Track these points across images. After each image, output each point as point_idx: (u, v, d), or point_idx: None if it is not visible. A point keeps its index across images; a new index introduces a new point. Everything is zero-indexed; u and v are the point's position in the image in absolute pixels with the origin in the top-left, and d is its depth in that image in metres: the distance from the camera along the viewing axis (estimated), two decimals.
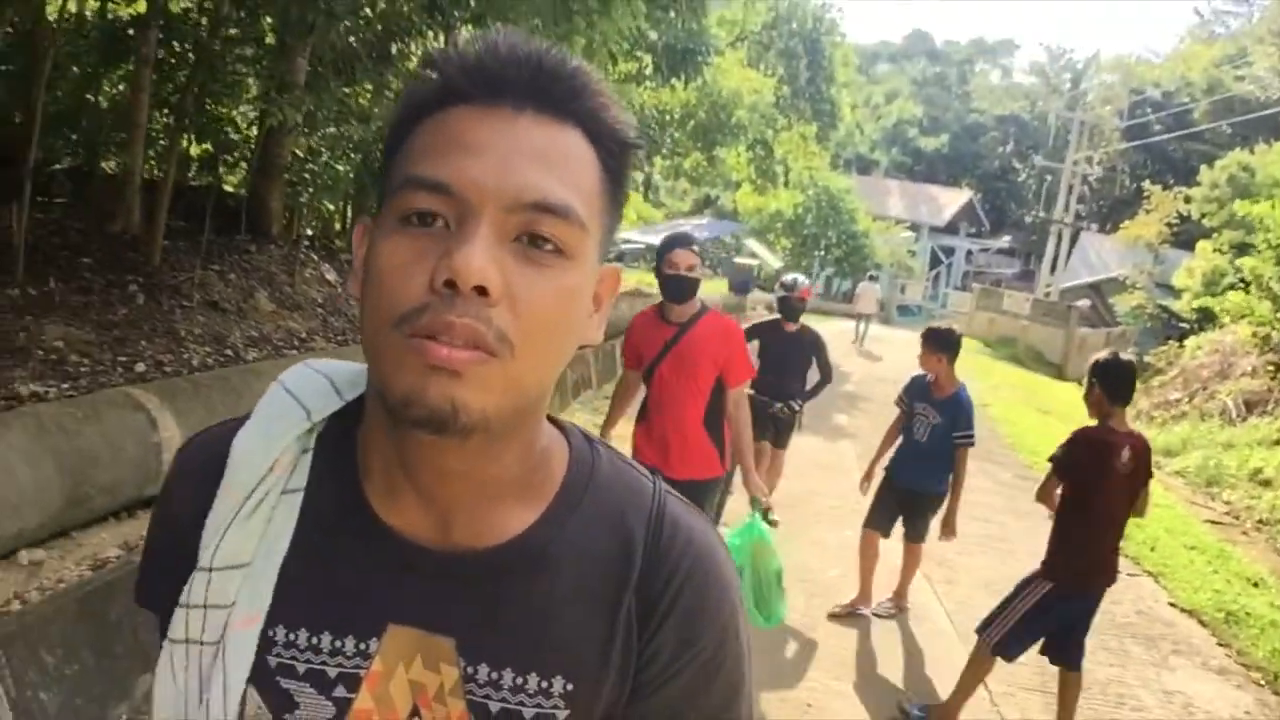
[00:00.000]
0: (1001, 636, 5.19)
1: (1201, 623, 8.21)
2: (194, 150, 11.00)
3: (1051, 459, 5.27)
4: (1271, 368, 15.01)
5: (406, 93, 1.00)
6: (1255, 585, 9.56)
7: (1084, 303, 39.25)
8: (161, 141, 10.04)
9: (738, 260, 36.88)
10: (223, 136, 10.56)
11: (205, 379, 6.10)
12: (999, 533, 9.81)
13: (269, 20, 8.96)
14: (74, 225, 8.30)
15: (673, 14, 14.04)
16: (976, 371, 24.63)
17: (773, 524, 7.86)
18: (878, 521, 6.86)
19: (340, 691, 1.01)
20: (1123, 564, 9.28)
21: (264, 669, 1.01)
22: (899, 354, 20.80)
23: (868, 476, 7.16)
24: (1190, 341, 24.33)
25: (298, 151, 10.78)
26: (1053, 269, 43.75)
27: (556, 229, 0.91)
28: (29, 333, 6.26)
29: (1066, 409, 20.18)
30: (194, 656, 1.03)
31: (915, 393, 6.83)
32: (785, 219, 42.67)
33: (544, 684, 1.01)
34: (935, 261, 58.69)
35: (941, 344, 6.58)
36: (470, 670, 1.01)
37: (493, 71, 0.93)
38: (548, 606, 1.02)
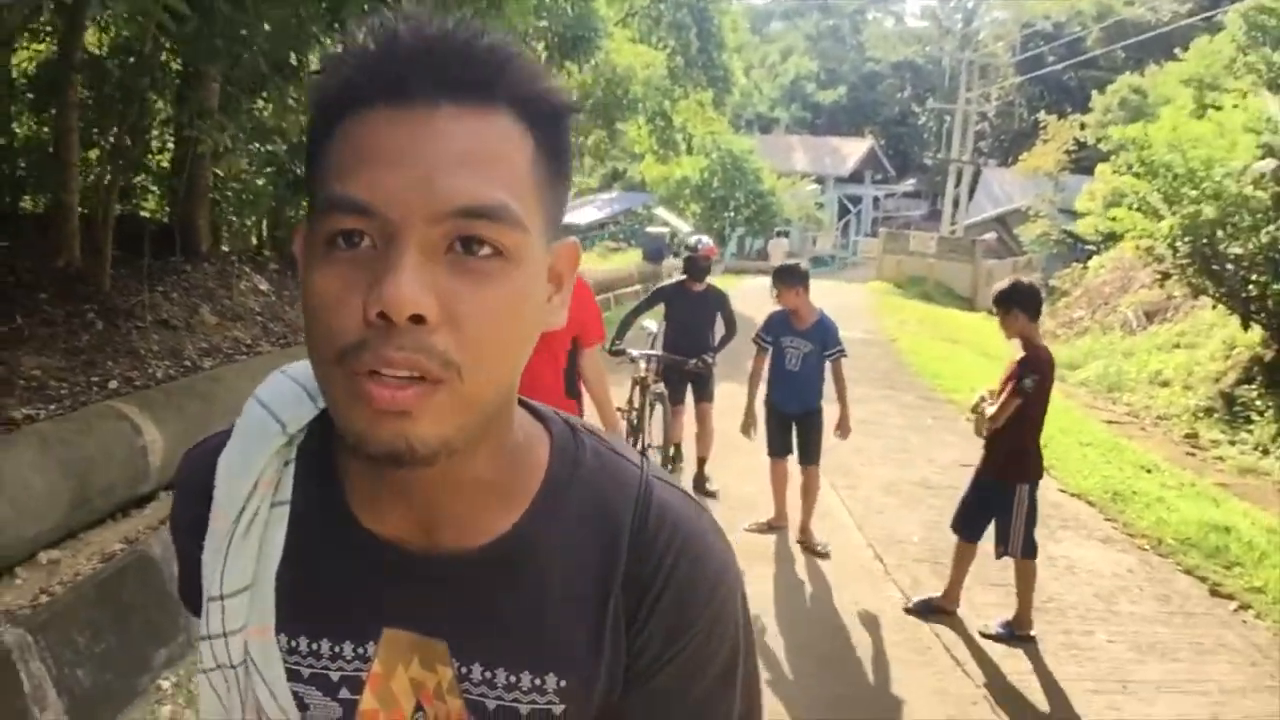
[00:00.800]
0: (1024, 544, 5.83)
1: (1089, 503, 9.08)
2: (112, 181, 11.42)
3: (1023, 390, 5.66)
4: (1159, 277, 15.88)
5: (311, 96, 0.95)
6: (1147, 471, 10.40)
7: (990, 236, 40.28)
8: (90, 177, 10.48)
9: (649, 230, 37.49)
10: (150, 166, 11.04)
11: (174, 388, 6.64)
12: (899, 445, 10.75)
13: (172, 48, 9.34)
14: (22, 264, 8.71)
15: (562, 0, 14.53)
16: (885, 310, 25.47)
17: (711, 495, 8.38)
18: (778, 448, 7.43)
19: (345, 693, 1.03)
20: None
21: None
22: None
23: (746, 425, 7.64)
24: (1093, 262, 25.25)
25: (218, 171, 11.19)
26: (954, 207, 44.75)
27: (490, 232, 0.86)
28: (8, 365, 6.77)
29: (974, 336, 21.13)
30: (231, 679, 1.06)
31: (777, 329, 7.30)
32: (692, 185, 43.40)
33: (537, 681, 1.01)
34: (844, 211, 59.61)
35: (796, 278, 7.16)
36: (464, 670, 1.01)
37: (396, 68, 0.87)
38: (535, 605, 1.02)
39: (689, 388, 8.69)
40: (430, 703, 1.03)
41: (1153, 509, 8.83)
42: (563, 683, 1.01)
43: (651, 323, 8.90)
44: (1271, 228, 12.36)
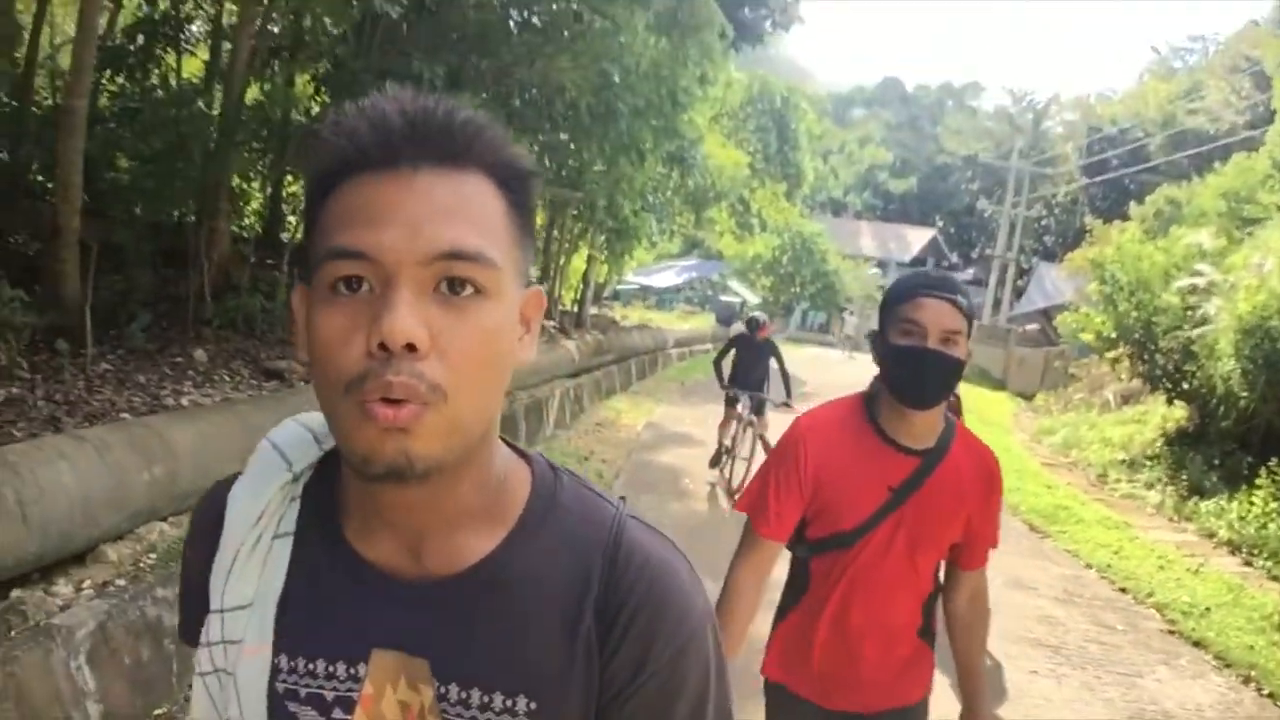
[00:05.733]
0: None
1: None
2: None
3: None
4: (1111, 362, 19.73)
5: (309, 165, 1.06)
6: (1048, 487, 14.26)
7: (1033, 326, 43.62)
8: None
9: (722, 298, 42.03)
10: None
11: None
12: None
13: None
14: None
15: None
16: None
17: None
18: None
19: (338, 713, 1.11)
20: None
21: (273, 694, 1.12)
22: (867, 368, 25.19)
23: None
24: (1109, 354, 28.75)
25: None
26: (996, 300, 47.82)
27: (471, 272, 0.98)
28: None
29: (977, 404, 24.71)
30: (224, 683, 1.16)
31: None
32: (764, 260, 47.56)
33: (509, 703, 1.07)
34: None
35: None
36: (443, 690, 1.09)
37: (384, 139, 0.99)
38: (510, 629, 1.09)
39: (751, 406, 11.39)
40: None
41: (1024, 496, 12.64)
42: (533, 705, 1.07)
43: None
44: (1184, 328, 15.94)
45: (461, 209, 1.00)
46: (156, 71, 11.57)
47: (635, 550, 1.13)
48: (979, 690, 3.00)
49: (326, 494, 1.18)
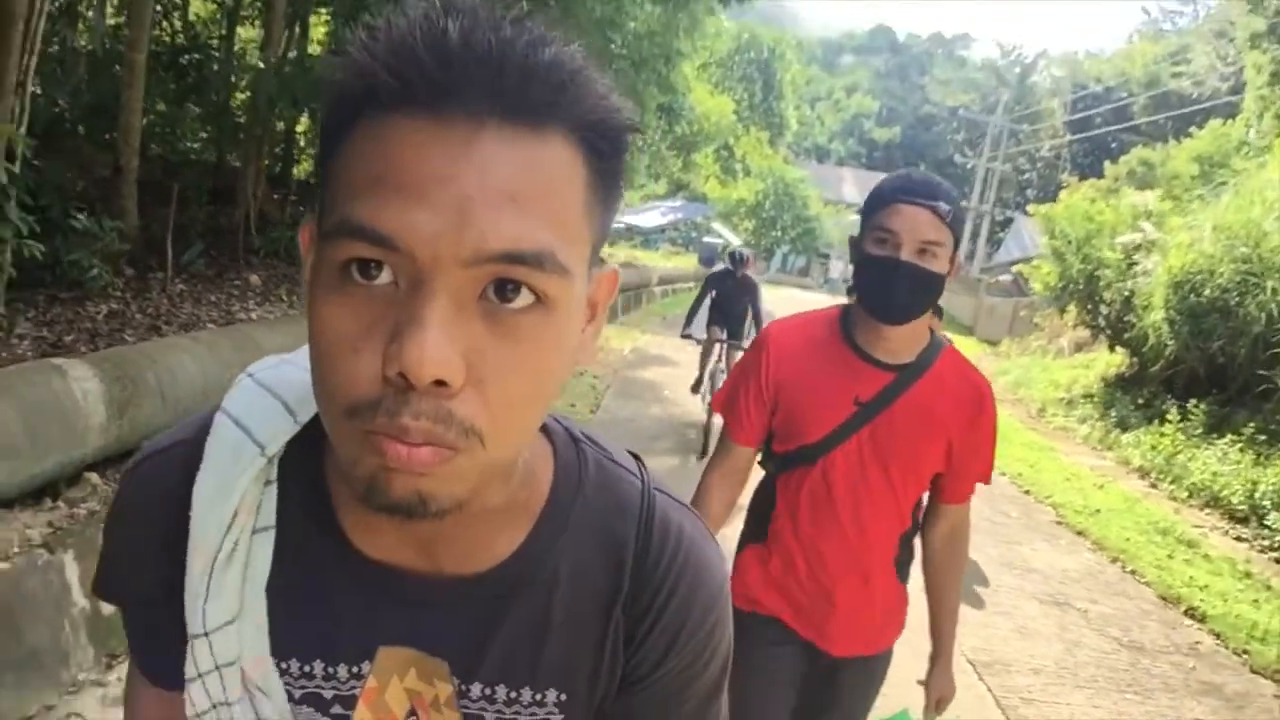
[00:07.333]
0: None
1: None
2: None
3: None
4: (1059, 312, 21.20)
5: (335, 82, 0.78)
6: None
7: (1006, 277, 45.02)
8: None
9: (706, 239, 43.20)
10: None
11: None
12: None
13: None
14: None
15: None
16: None
17: None
18: None
19: (338, 710, 1.01)
20: None
21: None
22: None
23: None
24: (1059, 305, 30.00)
25: None
26: (970, 251, 49.13)
27: (533, 279, 0.75)
28: None
29: None
30: (225, 716, 1.01)
31: None
32: (747, 204, 48.43)
33: (537, 696, 1.01)
34: None
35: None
36: (464, 688, 1.00)
37: (440, 71, 0.72)
38: (537, 627, 1.00)
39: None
40: (425, 711, 1.01)
41: None
42: (563, 696, 1.01)
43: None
44: (1126, 281, 17.20)
45: (532, 190, 0.74)
46: (175, 16, 12.89)
47: (668, 535, 1.04)
48: (947, 634, 2.86)
49: (312, 476, 0.98)
